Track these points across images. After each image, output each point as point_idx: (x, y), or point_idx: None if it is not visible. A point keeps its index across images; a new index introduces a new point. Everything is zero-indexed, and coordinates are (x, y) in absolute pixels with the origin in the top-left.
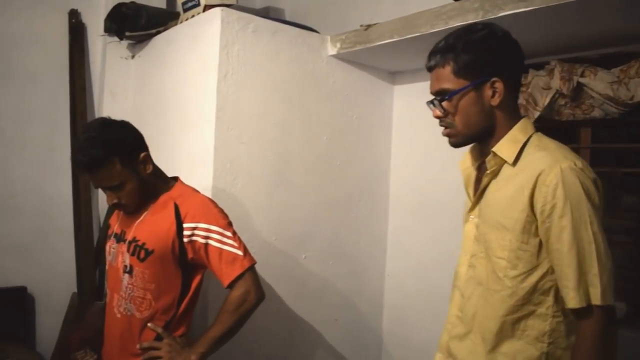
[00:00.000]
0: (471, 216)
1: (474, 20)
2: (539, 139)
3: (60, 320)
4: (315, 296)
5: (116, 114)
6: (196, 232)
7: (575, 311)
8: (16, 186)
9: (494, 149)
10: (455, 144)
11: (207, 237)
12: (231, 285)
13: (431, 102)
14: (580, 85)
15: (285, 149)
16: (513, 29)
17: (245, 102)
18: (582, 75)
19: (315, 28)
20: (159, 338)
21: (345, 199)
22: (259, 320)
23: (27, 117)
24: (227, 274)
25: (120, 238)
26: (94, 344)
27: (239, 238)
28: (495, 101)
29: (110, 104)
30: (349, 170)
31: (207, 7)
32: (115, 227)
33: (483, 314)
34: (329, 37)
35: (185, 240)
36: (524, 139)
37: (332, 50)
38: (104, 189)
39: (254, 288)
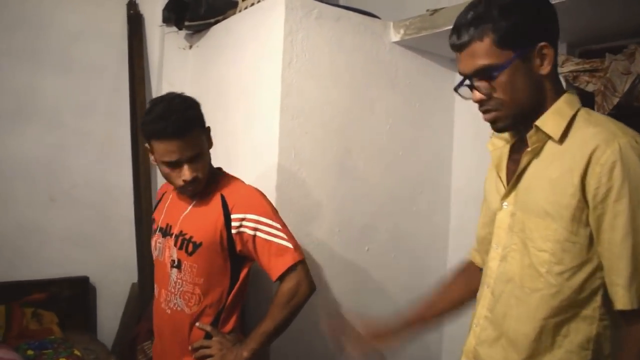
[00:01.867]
0: (504, 204)
1: (552, 2)
2: (589, 113)
3: (120, 309)
4: (376, 290)
5: None
6: (244, 223)
7: (624, 313)
8: (78, 177)
9: (537, 122)
10: (504, 128)
11: (255, 229)
12: (281, 278)
13: (469, 85)
14: None
15: (348, 139)
16: (592, 11)
17: (309, 90)
18: None
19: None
20: (208, 336)
21: (408, 190)
22: (320, 313)
23: (87, 108)
24: (276, 267)
25: (166, 232)
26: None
27: (288, 230)
28: (546, 69)
29: None
30: (411, 160)
31: None
32: (159, 221)
33: (515, 315)
34: (391, 24)
35: (233, 231)
36: (572, 112)
37: (395, 36)
38: (183, 163)
39: (305, 280)
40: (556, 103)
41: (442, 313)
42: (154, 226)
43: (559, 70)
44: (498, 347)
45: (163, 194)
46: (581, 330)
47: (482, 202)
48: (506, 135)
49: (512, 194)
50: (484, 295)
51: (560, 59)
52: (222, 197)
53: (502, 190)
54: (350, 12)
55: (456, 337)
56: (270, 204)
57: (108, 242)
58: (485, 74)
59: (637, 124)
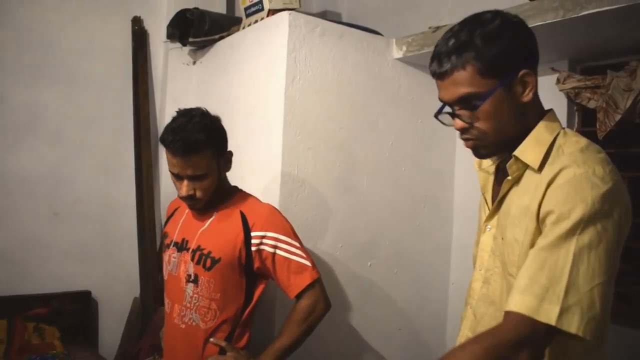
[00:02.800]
0: (488, 226)
1: (553, 20)
2: (565, 137)
3: (122, 324)
4: (379, 305)
5: None
6: (264, 241)
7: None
8: (81, 191)
9: (516, 152)
10: (487, 155)
11: (275, 247)
12: (299, 296)
13: (450, 113)
14: None
15: (351, 154)
16: (594, 28)
17: (312, 106)
18: None
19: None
20: (222, 351)
21: (410, 206)
22: (322, 329)
23: (91, 123)
24: (295, 284)
25: (182, 247)
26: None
27: (305, 249)
28: (528, 97)
29: (173, 110)
30: (414, 176)
31: (271, 12)
32: (174, 235)
33: None
34: (394, 40)
35: (253, 249)
36: (551, 138)
37: (397, 53)
38: (184, 178)
39: (322, 298)
40: (535, 129)
41: None
42: (167, 241)
43: (561, 87)
44: None
45: (175, 209)
46: (549, 353)
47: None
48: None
49: (495, 218)
50: (467, 316)
51: (562, 75)
52: (242, 215)
53: (487, 212)
54: (353, 29)
55: None
56: (288, 222)
57: (110, 256)
58: (467, 102)
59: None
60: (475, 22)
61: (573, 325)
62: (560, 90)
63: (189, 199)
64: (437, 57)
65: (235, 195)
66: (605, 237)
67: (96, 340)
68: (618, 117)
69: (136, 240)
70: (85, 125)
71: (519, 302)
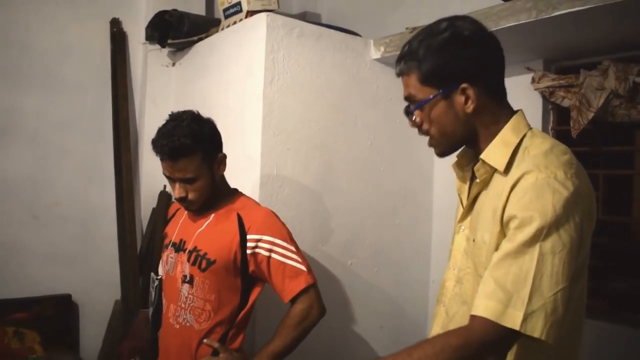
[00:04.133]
0: (462, 227)
1: (527, 21)
2: (531, 139)
3: (103, 327)
4: (360, 303)
5: (157, 122)
6: (260, 244)
7: (474, 317)
8: (61, 194)
9: (482, 155)
10: (440, 154)
11: (270, 250)
12: (293, 300)
13: (406, 110)
14: (636, 85)
15: (330, 155)
16: (566, 28)
17: (291, 107)
18: (638, 75)
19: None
20: (215, 353)
21: (390, 205)
22: None
23: (70, 126)
24: (290, 289)
25: (179, 247)
26: (144, 353)
27: (302, 253)
28: (469, 108)
29: (152, 112)
30: (393, 175)
31: (250, 13)
32: (173, 236)
33: None
34: (372, 41)
35: (248, 252)
36: (517, 140)
37: (375, 54)
38: (176, 181)
39: (317, 303)
40: (502, 131)
41: None
42: (166, 241)
43: (536, 86)
44: None
45: (177, 210)
46: (514, 352)
47: None
48: (465, 158)
49: (468, 219)
50: (439, 314)
51: (537, 74)
52: (239, 217)
53: (460, 213)
54: (331, 30)
55: None
56: (285, 226)
57: (91, 259)
58: (412, 104)
59: (611, 139)
60: (429, 32)
61: (537, 330)
62: (535, 89)
63: (182, 201)
64: (397, 59)
65: (233, 197)
66: (568, 242)
67: (77, 344)
68: (591, 115)
69: (116, 242)
70: (63, 128)
71: (485, 307)
